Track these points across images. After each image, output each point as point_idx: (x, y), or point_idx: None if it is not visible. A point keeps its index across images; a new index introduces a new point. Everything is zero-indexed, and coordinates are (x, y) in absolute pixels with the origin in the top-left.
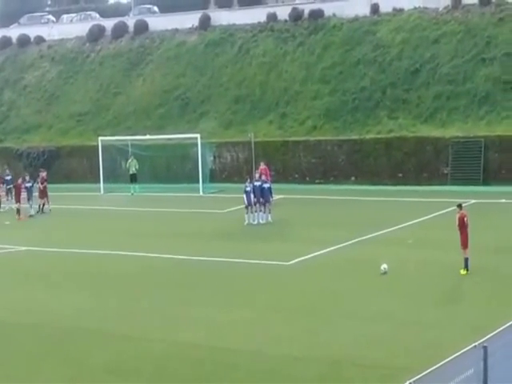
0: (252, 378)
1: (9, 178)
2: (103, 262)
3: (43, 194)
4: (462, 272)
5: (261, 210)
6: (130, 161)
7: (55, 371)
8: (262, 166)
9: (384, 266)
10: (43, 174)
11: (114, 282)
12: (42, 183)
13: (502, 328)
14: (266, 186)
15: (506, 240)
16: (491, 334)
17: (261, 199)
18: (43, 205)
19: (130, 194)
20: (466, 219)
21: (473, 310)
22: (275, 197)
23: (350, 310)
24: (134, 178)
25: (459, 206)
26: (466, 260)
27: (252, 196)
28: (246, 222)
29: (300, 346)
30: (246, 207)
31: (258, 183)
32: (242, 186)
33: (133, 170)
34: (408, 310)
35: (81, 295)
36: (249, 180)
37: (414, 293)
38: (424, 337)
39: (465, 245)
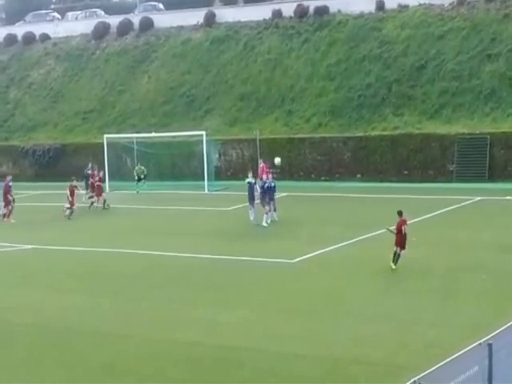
0: (254, 376)
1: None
2: (106, 261)
3: (100, 191)
4: (394, 266)
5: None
6: (137, 168)
7: (54, 372)
8: (261, 163)
9: (278, 160)
10: (101, 173)
11: (115, 281)
12: (100, 181)
13: (506, 326)
14: (272, 184)
15: (510, 238)
16: (495, 332)
17: (266, 198)
18: (92, 203)
19: (135, 192)
20: (404, 227)
21: (475, 308)
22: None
23: (353, 309)
24: (141, 179)
25: (399, 213)
26: (397, 255)
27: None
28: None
29: (303, 344)
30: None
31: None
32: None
33: (140, 177)
34: (410, 309)
35: (81, 294)
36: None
37: (416, 291)
38: (426, 335)
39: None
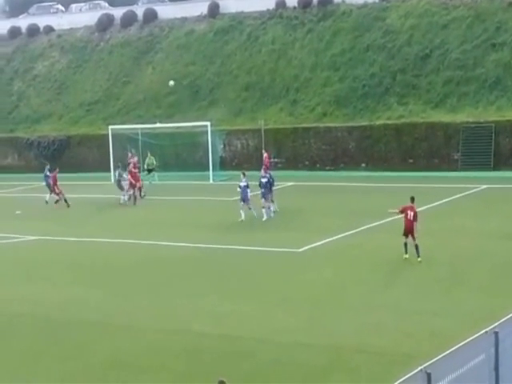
0: (258, 366)
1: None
2: (109, 252)
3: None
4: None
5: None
6: (147, 159)
7: (56, 365)
8: (265, 154)
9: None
10: (134, 159)
11: (119, 272)
12: (135, 168)
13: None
14: (266, 182)
15: None
16: (501, 321)
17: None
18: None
19: (147, 182)
20: (409, 212)
21: (480, 297)
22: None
23: (358, 298)
24: (151, 170)
25: (412, 198)
26: (414, 246)
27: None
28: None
29: (307, 333)
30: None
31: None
32: (253, 173)
33: (151, 166)
34: (415, 298)
35: (82, 286)
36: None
37: (421, 280)
38: (430, 325)
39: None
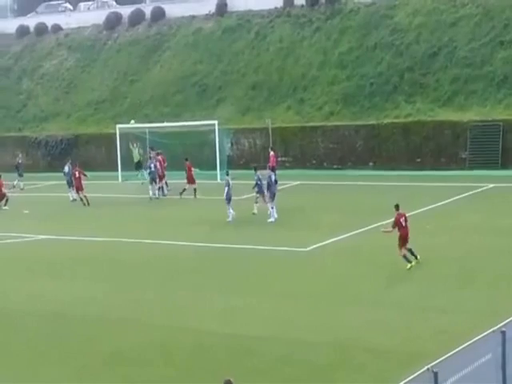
0: (265, 363)
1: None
2: (117, 250)
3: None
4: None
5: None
6: (136, 151)
7: (62, 360)
8: (271, 152)
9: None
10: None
11: (127, 269)
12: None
13: None
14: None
15: None
16: (509, 319)
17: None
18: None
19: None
20: (402, 220)
21: (488, 295)
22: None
23: (365, 297)
24: (138, 166)
25: (396, 206)
26: (409, 252)
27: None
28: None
29: (313, 331)
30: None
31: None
32: (261, 173)
33: (137, 158)
34: (423, 296)
35: (91, 283)
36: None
37: (429, 278)
38: (438, 323)
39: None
